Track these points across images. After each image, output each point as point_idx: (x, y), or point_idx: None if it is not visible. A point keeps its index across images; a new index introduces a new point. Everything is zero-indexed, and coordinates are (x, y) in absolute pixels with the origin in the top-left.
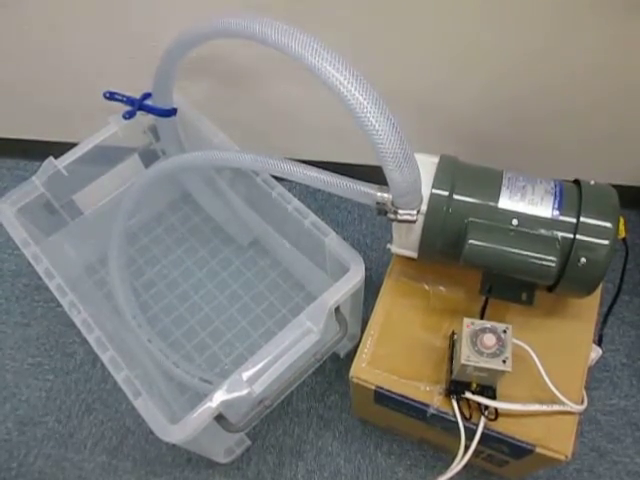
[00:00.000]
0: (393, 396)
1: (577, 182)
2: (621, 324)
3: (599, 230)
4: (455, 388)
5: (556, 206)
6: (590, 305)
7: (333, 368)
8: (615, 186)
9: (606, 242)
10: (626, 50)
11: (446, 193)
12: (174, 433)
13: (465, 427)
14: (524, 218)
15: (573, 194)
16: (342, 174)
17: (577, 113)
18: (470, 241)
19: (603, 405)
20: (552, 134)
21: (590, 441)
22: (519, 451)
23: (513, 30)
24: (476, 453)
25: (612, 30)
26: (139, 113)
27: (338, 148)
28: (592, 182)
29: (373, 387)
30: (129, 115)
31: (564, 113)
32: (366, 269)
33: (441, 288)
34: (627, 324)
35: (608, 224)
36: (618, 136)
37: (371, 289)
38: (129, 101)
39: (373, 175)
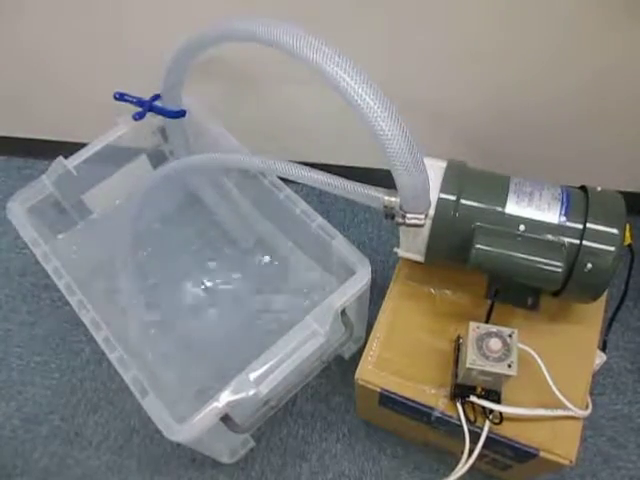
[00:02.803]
0: (398, 399)
1: (584, 188)
2: (625, 330)
3: (605, 236)
4: (460, 391)
5: (563, 212)
6: (595, 310)
7: (338, 370)
8: (621, 193)
9: (612, 248)
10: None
11: (454, 198)
12: (181, 432)
13: (470, 431)
14: (531, 224)
15: (580, 200)
16: (351, 177)
17: (583, 120)
18: (477, 246)
19: (607, 411)
20: (559, 141)
21: (594, 446)
22: (523, 455)
23: (521, 40)
24: (480, 457)
25: (618, 37)
26: (148, 114)
27: (347, 151)
28: (599, 188)
29: (378, 389)
30: (139, 116)
31: (571, 120)
32: (372, 272)
33: (447, 292)
34: (632, 330)
35: (614, 230)
36: (624, 143)
37: (376, 291)
38: (139, 102)
39: (382, 179)
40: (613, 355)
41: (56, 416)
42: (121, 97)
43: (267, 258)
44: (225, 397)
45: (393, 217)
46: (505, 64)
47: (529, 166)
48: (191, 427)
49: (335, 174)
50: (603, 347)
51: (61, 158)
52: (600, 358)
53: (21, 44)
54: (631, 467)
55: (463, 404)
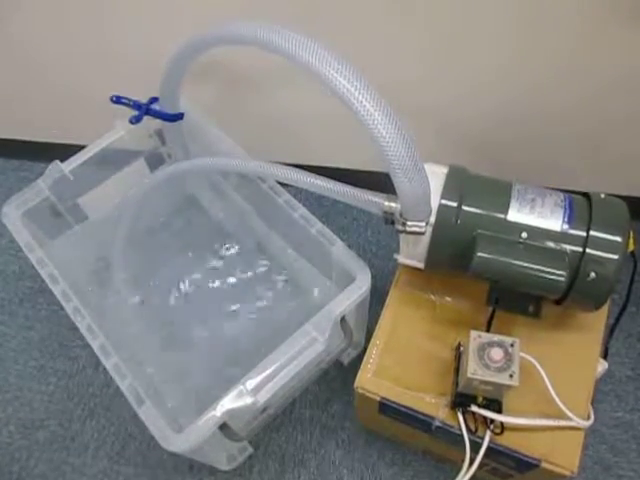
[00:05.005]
0: (398, 407)
1: (587, 195)
2: (627, 337)
3: (609, 244)
4: (461, 401)
5: (566, 219)
6: (597, 318)
7: (337, 376)
8: (623, 198)
9: (616, 256)
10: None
11: (455, 204)
12: (178, 442)
13: (470, 440)
14: (533, 231)
15: (583, 207)
16: (350, 181)
17: (586, 126)
18: (479, 254)
19: (608, 418)
20: (561, 147)
21: (595, 454)
22: (524, 465)
23: (526, 48)
24: (480, 465)
25: (621, 46)
26: (145, 117)
27: (346, 155)
28: (602, 195)
29: (378, 398)
30: (136, 120)
31: (573, 126)
32: (371, 277)
33: (447, 299)
34: (633, 337)
35: (618, 238)
36: (626, 148)
37: (375, 296)
38: (136, 105)
39: (382, 182)
40: (615, 362)
41: (53, 422)
42: (118, 100)
43: (266, 263)
44: (223, 406)
45: (393, 223)
46: (508, 71)
47: (531, 171)
48: (188, 437)
49: (334, 177)
50: (605, 354)
51: (57, 162)
52: (602, 366)
53: (18, 46)
54: (632, 475)
55: (464, 413)
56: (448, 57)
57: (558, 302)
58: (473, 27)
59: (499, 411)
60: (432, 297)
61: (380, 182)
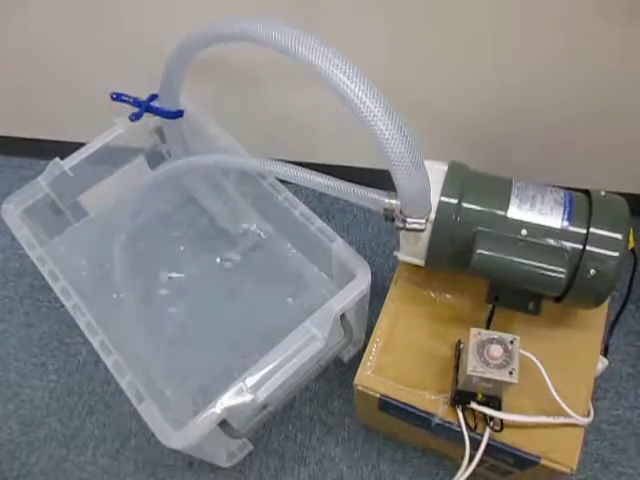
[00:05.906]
0: (398, 405)
1: (587, 192)
2: (627, 334)
3: (609, 242)
4: (460, 398)
5: (566, 217)
6: (597, 315)
7: (337, 373)
8: (622, 194)
9: (616, 254)
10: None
11: (455, 201)
12: (177, 439)
13: (470, 437)
14: (533, 228)
15: (583, 205)
16: (352, 178)
17: (585, 122)
18: (479, 251)
19: (608, 415)
20: (560, 142)
21: (594, 451)
22: (524, 462)
23: (521, 42)
24: (480, 462)
25: (620, 38)
26: (145, 114)
27: (346, 151)
28: (602, 193)
29: (378, 395)
30: (136, 117)
31: (572, 122)
32: (371, 274)
33: (447, 296)
34: (633, 334)
35: (618, 235)
36: (626, 144)
37: (375, 293)
38: (136, 103)
39: (382, 181)
40: (615, 359)
41: (53, 419)
42: (118, 97)
43: (266, 260)
44: (223, 403)
45: (393, 220)
46: (507, 64)
47: (531, 167)
48: (188, 434)
49: (335, 175)
50: (605, 352)
51: (57, 159)
52: (602, 363)
53: (18, 44)
54: (632, 473)
55: (463, 411)
56: (443, 49)
57: (558, 299)
58: (466, 18)
59: (499, 408)
60: (432, 294)
61: (382, 180)
